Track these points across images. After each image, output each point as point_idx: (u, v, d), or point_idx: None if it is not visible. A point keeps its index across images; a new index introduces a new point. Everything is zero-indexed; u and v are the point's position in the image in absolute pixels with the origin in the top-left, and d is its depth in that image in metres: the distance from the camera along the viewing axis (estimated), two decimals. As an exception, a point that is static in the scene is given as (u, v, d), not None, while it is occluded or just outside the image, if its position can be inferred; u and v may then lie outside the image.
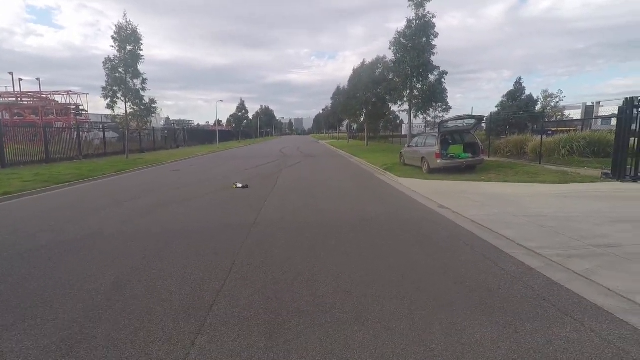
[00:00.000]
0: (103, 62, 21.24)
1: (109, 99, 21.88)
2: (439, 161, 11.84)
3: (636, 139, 9.36)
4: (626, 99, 9.46)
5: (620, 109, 9.72)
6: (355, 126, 58.04)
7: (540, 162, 13.28)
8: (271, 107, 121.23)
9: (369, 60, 32.91)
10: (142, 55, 22.25)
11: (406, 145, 15.42)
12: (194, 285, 3.77)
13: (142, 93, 22.62)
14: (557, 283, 3.70)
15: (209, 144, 50.93)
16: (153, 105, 23.29)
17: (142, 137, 33.46)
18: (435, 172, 12.18)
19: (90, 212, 7.54)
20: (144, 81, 22.57)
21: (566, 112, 40.86)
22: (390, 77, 24.17)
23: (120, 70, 21.73)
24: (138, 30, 21.66)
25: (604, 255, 4.42)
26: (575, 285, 3.64)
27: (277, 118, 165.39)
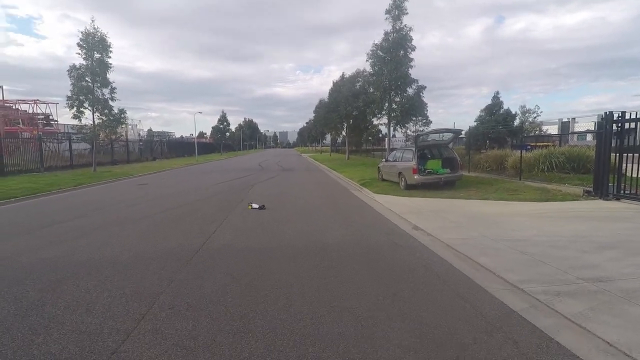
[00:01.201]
0: (68, 70, 20.09)
1: (74, 109, 20.73)
2: (416, 177, 11.23)
3: (616, 154, 8.95)
4: (605, 113, 9.09)
5: (599, 124, 9.36)
6: (339, 139, 57.75)
7: (521, 178, 12.87)
8: (257, 120, 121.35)
9: (349, 73, 32.74)
10: (111, 64, 21.25)
11: (384, 160, 14.82)
12: (85, 343, 2.88)
13: (111, 103, 21.59)
14: (546, 334, 2.98)
15: (189, 156, 49.63)
16: (123, 116, 22.23)
17: (114, 149, 32.15)
18: (412, 188, 11.56)
19: (4, 238, 6.52)
20: (112, 90, 21.57)
21: (544, 128, 41.51)
22: (371, 91, 23.85)
23: (87, 79, 20.67)
24: (106, 38, 20.70)
25: (596, 292, 3.76)
26: (567, 338, 2.92)
27: (262, 131, 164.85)
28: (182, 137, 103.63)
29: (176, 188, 14.34)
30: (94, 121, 21.21)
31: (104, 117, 21.38)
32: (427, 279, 4.30)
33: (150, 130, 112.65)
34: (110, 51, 21.05)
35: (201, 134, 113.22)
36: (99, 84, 20.93)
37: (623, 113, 8.87)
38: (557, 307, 3.47)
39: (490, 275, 4.40)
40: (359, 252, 5.37)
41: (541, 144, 23.84)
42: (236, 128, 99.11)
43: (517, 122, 30.95)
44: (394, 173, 12.89)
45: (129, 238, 6.28)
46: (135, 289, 3.98)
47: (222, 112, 76.03)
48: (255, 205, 9.21)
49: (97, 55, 20.59)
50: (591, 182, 10.48)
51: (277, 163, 32.82)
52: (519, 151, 14.32)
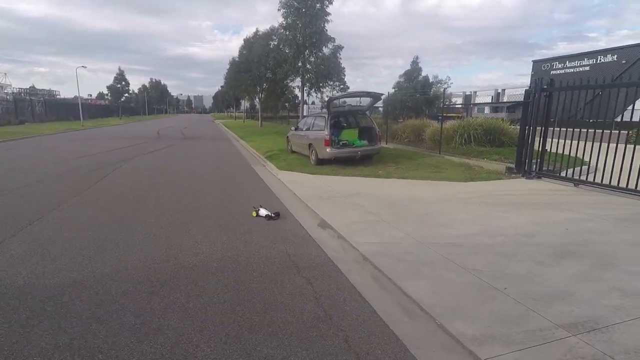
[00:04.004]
0: None
1: None
2: (328, 150, 9.37)
3: (542, 128, 8.12)
4: (535, 80, 8.14)
5: (527, 92, 8.38)
6: (256, 104, 53.83)
7: (440, 151, 11.92)
8: (170, 82, 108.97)
9: (263, 30, 29.21)
10: None
11: (293, 128, 12.67)
12: None
13: None
14: None
15: (76, 120, 41.63)
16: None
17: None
18: (324, 163, 9.74)
19: None
20: None
21: (453, 99, 43.32)
22: (287, 51, 21.15)
23: None
24: None
25: (598, 363, 2.24)
26: None
27: (175, 94, 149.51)
28: (75, 97, 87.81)
29: (16, 164, 10.52)
30: None
31: None
32: (324, 345, 2.40)
33: (32, 88, 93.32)
34: None
35: (101, 95, 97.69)
36: None
37: (551, 81, 7.99)
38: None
39: (430, 328, 2.69)
40: (230, 283, 3.29)
41: (451, 114, 24.02)
42: (139, 89, 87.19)
43: (431, 92, 31.15)
44: (303, 144, 10.89)
45: None
46: None
47: (119, 69, 65.49)
48: (262, 213, 5.43)
49: None
50: (507, 155, 9.87)
51: (182, 130, 28.75)
52: (437, 122, 13.42)
